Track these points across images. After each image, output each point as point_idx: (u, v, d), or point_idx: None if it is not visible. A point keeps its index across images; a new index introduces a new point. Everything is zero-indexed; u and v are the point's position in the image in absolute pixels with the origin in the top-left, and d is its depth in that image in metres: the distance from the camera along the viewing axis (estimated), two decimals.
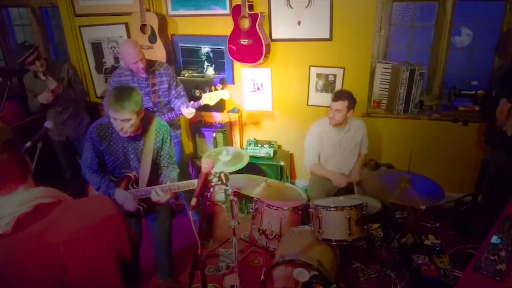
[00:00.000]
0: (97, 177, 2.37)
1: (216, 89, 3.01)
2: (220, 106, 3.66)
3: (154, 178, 2.43)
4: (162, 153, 2.44)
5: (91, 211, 1.10)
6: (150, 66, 2.98)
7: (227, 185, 2.11)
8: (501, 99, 2.58)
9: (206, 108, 3.54)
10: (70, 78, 3.34)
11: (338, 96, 2.94)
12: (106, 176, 2.41)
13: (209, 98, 2.99)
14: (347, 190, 3.08)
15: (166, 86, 3.04)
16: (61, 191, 1.09)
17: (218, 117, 3.87)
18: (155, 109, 3.04)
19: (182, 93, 3.14)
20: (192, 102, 2.96)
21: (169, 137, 2.44)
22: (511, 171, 2.73)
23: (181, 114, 2.99)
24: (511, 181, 2.74)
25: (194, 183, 2.22)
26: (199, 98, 3.04)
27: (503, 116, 2.54)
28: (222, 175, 2.06)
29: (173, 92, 3.09)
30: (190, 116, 2.98)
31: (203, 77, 3.71)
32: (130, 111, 2.13)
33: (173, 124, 3.21)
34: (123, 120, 2.15)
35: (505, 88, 2.64)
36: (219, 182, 2.06)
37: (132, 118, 2.17)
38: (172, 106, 3.12)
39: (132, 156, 2.37)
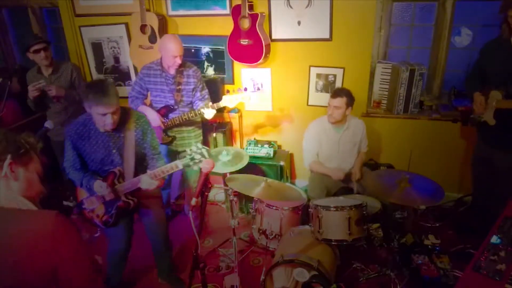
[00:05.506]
0: (80, 173, 2.34)
1: (237, 93, 2.98)
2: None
3: (140, 170, 2.39)
4: (145, 145, 2.41)
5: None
6: (180, 65, 2.99)
7: (206, 158, 2.09)
8: (474, 93, 2.71)
9: None
10: (74, 80, 3.34)
11: (337, 93, 2.97)
12: (89, 172, 2.37)
13: (228, 100, 2.95)
14: (347, 190, 3.08)
15: (192, 87, 3.07)
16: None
17: (218, 117, 3.86)
18: (176, 106, 3.08)
19: (206, 96, 3.16)
20: (211, 103, 2.97)
21: (149, 128, 2.42)
22: (494, 162, 2.76)
23: (200, 113, 2.99)
24: (495, 174, 2.77)
25: (177, 165, 2.20)
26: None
27: (481, 107, 2.65)
28: (203, 150, 2.08)
29: (198, 94, 3.11)
30: (210, 117, 2.98)
31: (203, 77, 3.70)
32: (117, 102, 2.16)
33: (195, 123, 3.26)
34: (113, 112, 2.15)
35: (475, 83, 2.78)
36: (202, 158, 2.08)
37: (118, 109, 2.19)
38: (194, 107, 3.13)
39: (114, 151, 2.33)
